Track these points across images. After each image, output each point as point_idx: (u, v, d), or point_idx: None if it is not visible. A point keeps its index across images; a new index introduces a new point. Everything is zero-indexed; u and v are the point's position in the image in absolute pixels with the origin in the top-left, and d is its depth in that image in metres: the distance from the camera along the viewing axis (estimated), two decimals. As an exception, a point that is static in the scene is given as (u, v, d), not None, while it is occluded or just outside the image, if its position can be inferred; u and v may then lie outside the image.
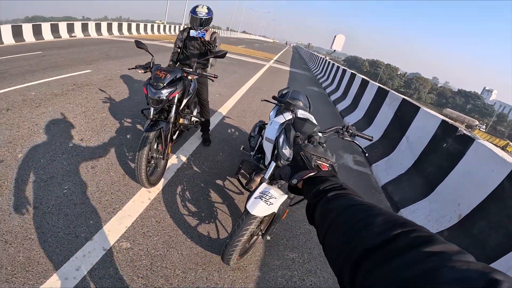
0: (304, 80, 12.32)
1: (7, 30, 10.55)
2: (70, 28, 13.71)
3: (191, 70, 2.74)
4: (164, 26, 23.69)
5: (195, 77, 2.85)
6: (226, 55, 2.85)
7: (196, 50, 3.13)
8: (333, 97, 8.55)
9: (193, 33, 2.91)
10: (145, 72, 2.65)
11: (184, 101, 2.84)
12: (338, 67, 10.33)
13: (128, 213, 2.24)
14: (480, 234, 2.24)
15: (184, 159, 3.19)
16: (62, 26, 13.25)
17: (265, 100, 2.59)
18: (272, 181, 1.86)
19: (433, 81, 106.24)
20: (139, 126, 3.87)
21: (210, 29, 3.19)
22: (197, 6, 2.96)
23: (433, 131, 3.17)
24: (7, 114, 3.64)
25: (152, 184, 2.50)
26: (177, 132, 3.05)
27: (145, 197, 2.46)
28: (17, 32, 10.94)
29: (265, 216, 1.67)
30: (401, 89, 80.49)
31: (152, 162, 2.53)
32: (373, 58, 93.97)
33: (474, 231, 2.29)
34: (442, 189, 2.77)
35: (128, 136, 3.53)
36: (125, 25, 18.24)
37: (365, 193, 3.38)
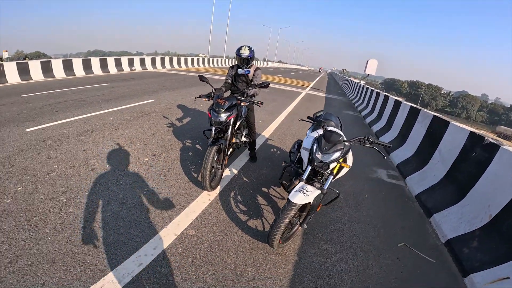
0: (340, 105, 12.66)
1: (78, 63, 12.63)
2: (131, 63, 16.04)
3: (242, 98, 3.41)
4: (208, 59, 26.06)
5: (246, 103, 3.50)
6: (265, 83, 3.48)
7: (244, 82, 3.80)
8: (368, 119, 8.78)
9: (240, 71, 3.62)
10: (208, 100, 3.36)
11: (238, 123, 3.50)
12: (372, 91, 10.56)
13: (193, 209, 2.84)
14: (509, 231, 2.40)
15: (235, 171, 3.80)
16: (124, 61, 15.57)
17: (301, 120, 3.13)
18: (308, 181, 2.35)
19: (482, 98, 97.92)
20: (198, 146, 4.61)
21: (254, 64, 3.84)
22: (240, 48, 3.57)
23: (462, 142, 3.40)
24: (92, 135, 4.62)
25: (212, 188, 3.12)
26: (231, 149, 3.68)
27: (206, 198, 3.07)
28: (86, 65, 13.04)
29: (302, 205, 2.14)
30: (447, 109, 75.38)
31: (213, 170, 3.14)
32: (412, 79, 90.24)
33: (504, 228, 2.45)
34: (473, 194, 2.94)
35: (190, 154, 4.26)
36: (175, 59, 20.58)
37: (398, 201, 3.64)
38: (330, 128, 2.57)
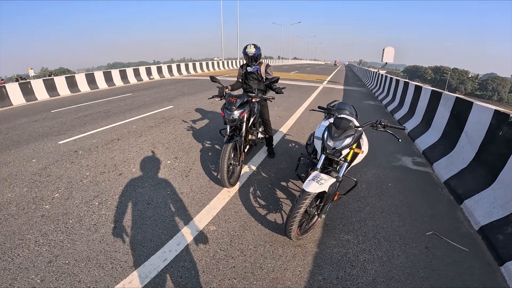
0: (359, 96, 12.32)
1: (100, 76, 13.31)
2: (149, 72, 16.67)
3: (253, 94, 3.46)
4: (223, 62, 26.42)
5: (258, 99, 3.54)
6: (279, 80, 3.51)
7: (255, 80, 3.84)
8: (390, 108, 8.47)
9: (249, 69, 3.66)
10: (220, 99, 3.45)
11: (251, 120, 3.54)
12: (391, 78, 10.18)
13: (214, 206, 2.92)
14: None
15: (254, 168, 3.84)
16: (142, 71, 16.21)
17: (312, 110, 3.12)
18: (324, 170, 2.33)
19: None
20: (217, 146, 4.72)
21: (263, 61, 3.88)
22: (246, 47, 3.60)
23: (488, 122, 3.21)
24: (118, 143, 4.88)
25: (231, 184, 3.18)
26: (248, 146, 3.74)
27: (226, 195, 3.14)
28: (108, 78, 13.69)
29: (319, 194, 2.13)
30: (477, 92, 70.89)
31: (230, 167, 3.21)
32: (436, 65, 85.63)
33: None
34: (504, 175, 2.76)
35: (209, 154, 4.38)
36: (190, 65, 21.06)
37: (426, 188, 3.49)
38: (343, 114, 2.54)
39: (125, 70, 14.98)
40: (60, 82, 11.54)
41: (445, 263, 2.25)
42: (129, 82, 14.73)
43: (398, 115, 7.20)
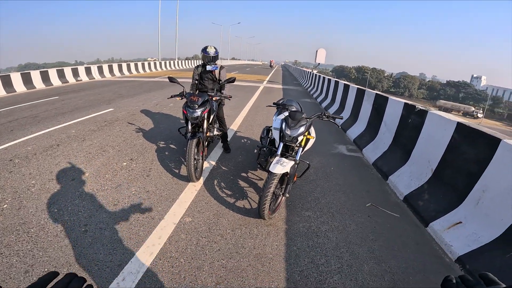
0: (297, 94, 13.39)
1: (17, 78, 11.41)
2: (75, 73, 14.90)
3: (213, 93, 3.68)
4: (160, 63, 25.28)
5: (217, 98, 3.77)
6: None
7: (210, 80, 4.06)
8: (324, 104, 9.54)
9: (209, 68, 3.87)
10: (181, 99, 3.57)
11: (211, 117, 3.76)
12: (323, 78, 11.41)
13: (184, 199, 3.06)
14: (449, 179, 2.88)
15: (213, 163, 4.06)
16: (68, 72, 14.41)
17: (269, 106, 3.53)
18: (282, 156, 2.74)
19: (420, 77, 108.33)
20: (172, 146, 4.76)
21: (217, 63, 4.13)
22: (206, 47, 3.83)
23: (400, 112, 4.08)
24: (59, 149, 4.50)
25: (197, 178, 3.36)
26: (206, 143, 3.93)
27: (192, 189, 3.30)
28: (27, 80, 11.83)
29: (282, 176, 2.52)
30: (392, 90, 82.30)
31: (195, 162, 3.38)
32: (358, 65, 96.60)
33: (445, 178, 2.95)
34: (415, 154, 3.56)
35: (166, 153, 4.41)
36: (124, 66, 19.63)
37: (360, 169, 4.24)
38: (293, 109, 3.00)
39: (47, 71, 13.17)
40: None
41: (386, 228, 2.82)
42: (52, 85, 13.04)
43: (331, 111, 8.19)
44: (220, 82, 4.02)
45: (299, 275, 2.13)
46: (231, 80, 3.84)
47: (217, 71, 3.97)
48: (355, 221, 2.89)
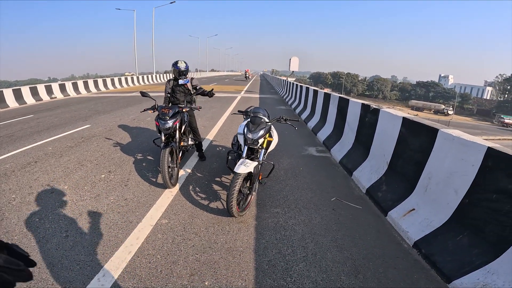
0: (272, 102, 13.85)
1: None
2: (49, 90, 14.58)
3: (183, 105, 3.95)
4: (137, 78, 25.20)
5: (187, 109, 4.03)
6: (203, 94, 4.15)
7: (182, 93, 4.33)
8: (298, 110, 10.02)
9: (181, 81, 4.14)
10: (153, 112, 3.81)
11: (183, 128, 4.02)
12: (297, 85, 11.95)
13: (161, 204, 3.27)
14: (401, 169, 3.19)
15: (189, 170, 4.29)
16: (41, 89, 14.13)
17: (234, 113, 3.85)
18: (247, 158, 3.04)
19: (392, 79, 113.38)
20: (149, 157, 4.94)
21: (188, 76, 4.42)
22: (177, 62, 4.12)
23: (359, 112, 4.51)
24: (37, 165, 4.57)
25: (173, 185, 3.58)
26: (180, 152, 4.16)
27: (169, 194, 3.51)
28: None
29: (247, 176, 2.82)
30: (366, 93, 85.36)
31: (170, 170, 3.60)
32: (334, 70, 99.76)
33: (398, 169, 3.25)
34: (374, 149, 3.93)
35: (144, 164, 4.60)
36: (100, 81, 19.45)
37: (327, 168, 4.60)
38: (259, 115, 3.33)
39: (19, 88, 12.91)
40: None
41: (348, 219, 3.11)
42: (26, 103, 12.77)
43: (303, 116, 8.65)
44: (196, 89, 4.33)
45: (267, 265, 2.37)
46: (201, 92, 4.14)
47: (189, 84, 4.25)
48: (320, 215, 3.17)
